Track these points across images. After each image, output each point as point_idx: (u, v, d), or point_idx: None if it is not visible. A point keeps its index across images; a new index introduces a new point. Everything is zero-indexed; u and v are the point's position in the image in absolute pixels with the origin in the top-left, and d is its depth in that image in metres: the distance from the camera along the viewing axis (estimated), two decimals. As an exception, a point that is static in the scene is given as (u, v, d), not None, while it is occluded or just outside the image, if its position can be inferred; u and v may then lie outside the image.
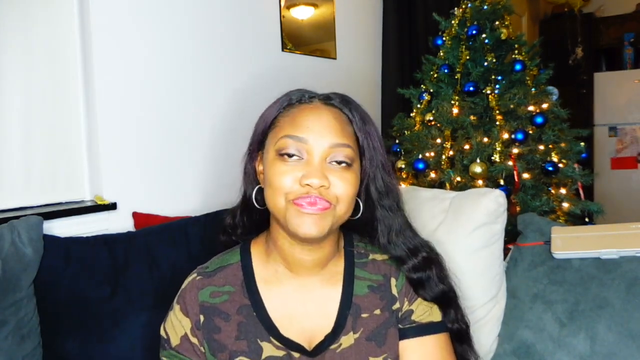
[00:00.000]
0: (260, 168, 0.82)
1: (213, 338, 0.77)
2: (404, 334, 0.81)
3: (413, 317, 0.82)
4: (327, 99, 0.79)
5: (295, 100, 0.79)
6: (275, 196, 0.73)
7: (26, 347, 0.93)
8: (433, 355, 0.80)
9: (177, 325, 0.79)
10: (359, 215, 0.81)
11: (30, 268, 0.96)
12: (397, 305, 0.82)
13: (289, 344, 0.77)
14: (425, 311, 0.83)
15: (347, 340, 0.78)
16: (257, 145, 0.81)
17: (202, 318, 0.78)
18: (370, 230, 0.85)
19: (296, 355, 0.76)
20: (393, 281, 0.83)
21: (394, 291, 0.83)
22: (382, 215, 0.82)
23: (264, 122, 0.80)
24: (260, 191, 0.81)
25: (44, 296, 0.99)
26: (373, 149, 0.79)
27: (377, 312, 0.81)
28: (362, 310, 0.80)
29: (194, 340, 0.78)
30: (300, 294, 0.80)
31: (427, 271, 0.83)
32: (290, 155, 0.73)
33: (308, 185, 0.71)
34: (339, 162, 0.74)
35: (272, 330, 0.77)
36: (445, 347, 0.82)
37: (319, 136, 0.73)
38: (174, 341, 0.78)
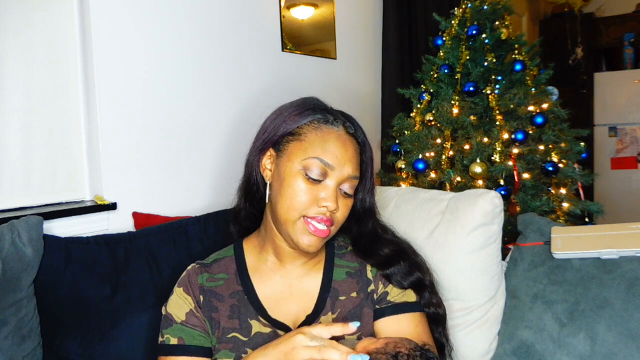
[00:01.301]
0: (265, 162, 0.88)
1: (211, 317, 0.86)
2: (381, 313, 0.89)
3: (389, 298, 0.89)
4: (349, 127, 0.87)
5: (322, 120, 0.85)
6: (290, 209, 0.82)
7: (26, 347, 0.94)
8: (408, 332, 0.86)
9: (181, 304, 0.87)
10: None
11: (30, 268, 0.96)
12: (372, 287, 0.91)
13: (275, 323, 0.86)
14: (400, 292, 0.90)
15: (325, 320, 0.87)
16: (271, 144, 0.87)
17: (201, 298, 0.87)
18: (346, 232, 0.95)
19: (281, 332, 0.85)
20: (368, 267, 0.92)
21: (369, 275, 0.92)
22: (358, 225, 0.93)
23: (285, 125, 0.86)
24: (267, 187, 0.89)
25: (44, 296, 0.99)
26: (369, 176, 0.91)
27: (354, 294, 0.90)
28: (340, 293, 0.90)
29: (199, 315, 0.86)
30: (287, 280, 0.90)
31: (399, 263, 0.90)
32: (315, 177, 0.81)
33: (325, 206, 0.81)
34: (346, 192, 0.85)
35: (260, 311, 0.87)
36: (420, 325, 0.88)
37: (342, 166, 0.83)
38: (180, 317, 0.86)
